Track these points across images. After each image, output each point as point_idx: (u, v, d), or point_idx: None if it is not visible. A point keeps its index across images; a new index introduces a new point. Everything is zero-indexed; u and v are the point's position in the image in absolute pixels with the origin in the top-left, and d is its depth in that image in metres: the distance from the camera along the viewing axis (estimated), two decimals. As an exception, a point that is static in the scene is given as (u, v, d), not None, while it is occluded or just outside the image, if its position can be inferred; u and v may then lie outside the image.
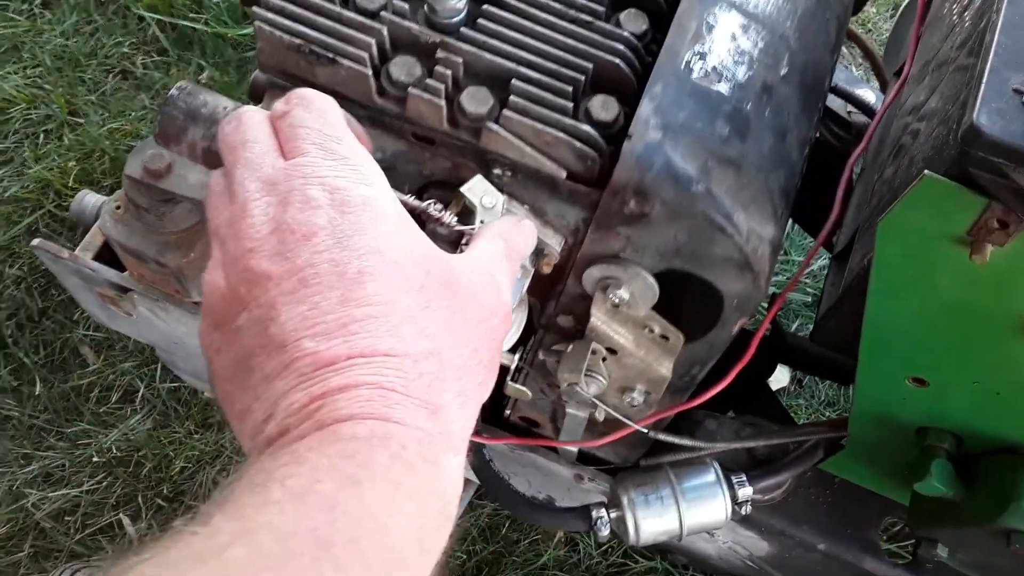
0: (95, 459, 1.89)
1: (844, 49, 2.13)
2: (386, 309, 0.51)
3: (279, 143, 0.58)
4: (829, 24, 0.87)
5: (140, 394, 1.94)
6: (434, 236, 0.80)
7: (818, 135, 1.19)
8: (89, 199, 1.23)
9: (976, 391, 0.80)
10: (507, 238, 0.67)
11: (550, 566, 1.85)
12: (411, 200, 0.73)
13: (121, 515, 1.83)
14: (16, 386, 1.96)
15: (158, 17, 2.23)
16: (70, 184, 2.05)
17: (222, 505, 0.44)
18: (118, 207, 1.07)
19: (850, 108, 1.21)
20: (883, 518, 1.07)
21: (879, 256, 0.70)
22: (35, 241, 1.18)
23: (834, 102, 1.21)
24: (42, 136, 2.14)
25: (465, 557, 1.83)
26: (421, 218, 0.78)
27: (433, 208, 0.72)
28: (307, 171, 0.55)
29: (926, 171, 0.60)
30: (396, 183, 0.75)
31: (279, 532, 0.42)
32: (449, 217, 0.71)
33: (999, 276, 0.66)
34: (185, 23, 2.23)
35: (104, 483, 1.87)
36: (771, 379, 1.83)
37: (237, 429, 0.53)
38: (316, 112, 0.59)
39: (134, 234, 1.06)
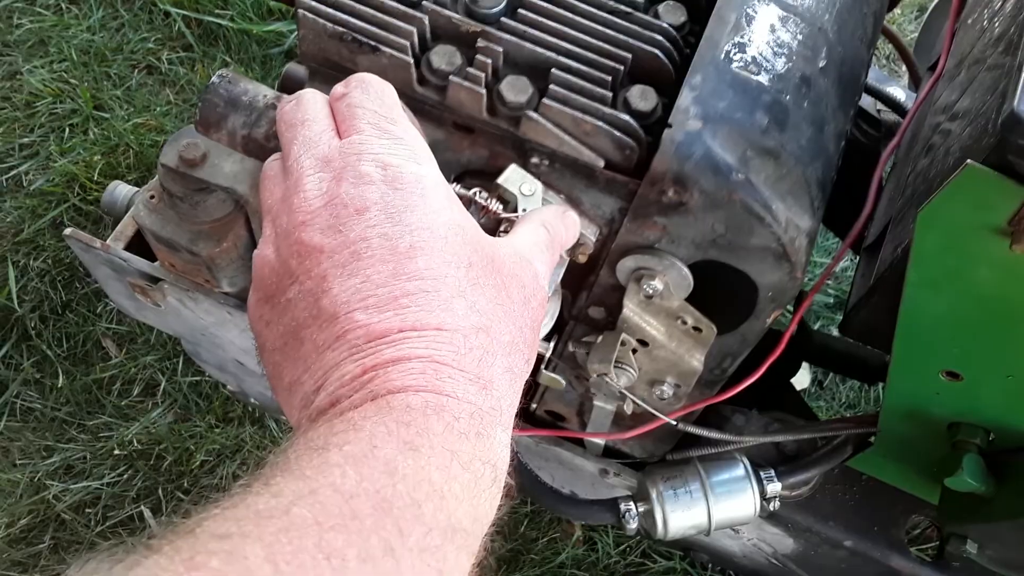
0: (116, 452, 1.90)
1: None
2: (437, 284, 0.52)
3: (336, 123, 0.59)
4: (866, 19, 0.87)
5: (162, 388, 1.95)
6: (472, 224, 0.81)
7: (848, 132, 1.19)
8: (121, 190, 1.24)
9: (1010, 386, 0.80)
10: (550, 227, 0.68)
11: (568, 564, 1.85)
12: (456, 188, 0.73)
13: (142, 507, 1.84)
14: (39, 378, 1.97)
15: (184, 13, 2.25)
16: (95, 178, 2.07)
17: (283, 469, 0.44)
18: (152, 196, 1.08)
19: (880, 106, 1.21)
20: (910, 516, 1.07)
21: (917, 247, 0.70)
22: (67, 230, 1.19)
23: (864, 100, 1.21)
24: (68, 130, 2.16)
25: (484, 554, 1.83)
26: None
27: (479, 196, 0.72)
28: (361, 148, 0.56)
29: (968, 160, 0.60)
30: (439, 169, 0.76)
31: (342, 492, 0.42)
32: (495, 204, 0.72)
33: (1039, 268, 0.66)
34: (211, 19, 2.24)
35: (125, 476, 1.88)
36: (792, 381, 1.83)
37: (285, 401, 0.54)
38: (373, 94, 0.60)
39: (167, 223, 1.07)
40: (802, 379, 1.96)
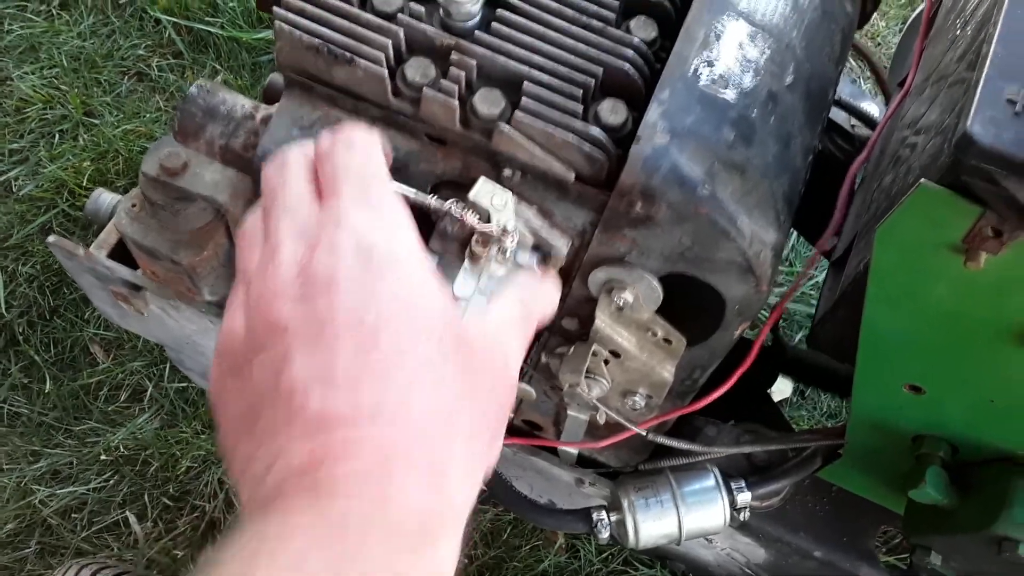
0: (103, 457, 1.90)
1: (852, 63, 2.15)
2: (402, 360, 0.51)
3: (317, 184, 0.58)
4: (834, 36, 0.89)
5: (148, 393, 1.96)
6: (444, 235, 0.82)
7: (821, 147, 1.21)
8: (104, 198, 1.25)
9: (972, 399, 0.82)
10: (527, 302, 0.66)
11: (551, 572, 1.86)
12: (431, 199, 0.75)
13: (128, 513, 1.85)
14: (26, 383, 1.98)
15: (174, 20, 2.26)
16: (84, 184, 2.08)
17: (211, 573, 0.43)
18: (133, 205, 1.09)
19: (854, 121, 1.22)
20: (879, 527, 1.08)
21: (876, 263, 0.71)
22: (50, 238, 1.20)
23: (838, 115, 1.23)
24: (57, 136, 2.17)
25: (467, 561, 1.84)
26: (432, 217, 0.80)
27: (454, 208, 0.73)
28: (340, 216, 0.55)
29: (922, 179, 0.62)
30: (409, 182, 0.77)
31: None
32: (470, 216, 0.73)
33: (994, 284, 0.67)
34: (201, 26, 2.26)
35: (111, 481, 1.89)
36: (774, 390, 1.84)
37: (239, 482, 0.51)
38: (358, 154, 0.59)
39: (149, 231, 1.08)
40: (784, 389, 1.98)
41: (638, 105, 0.79)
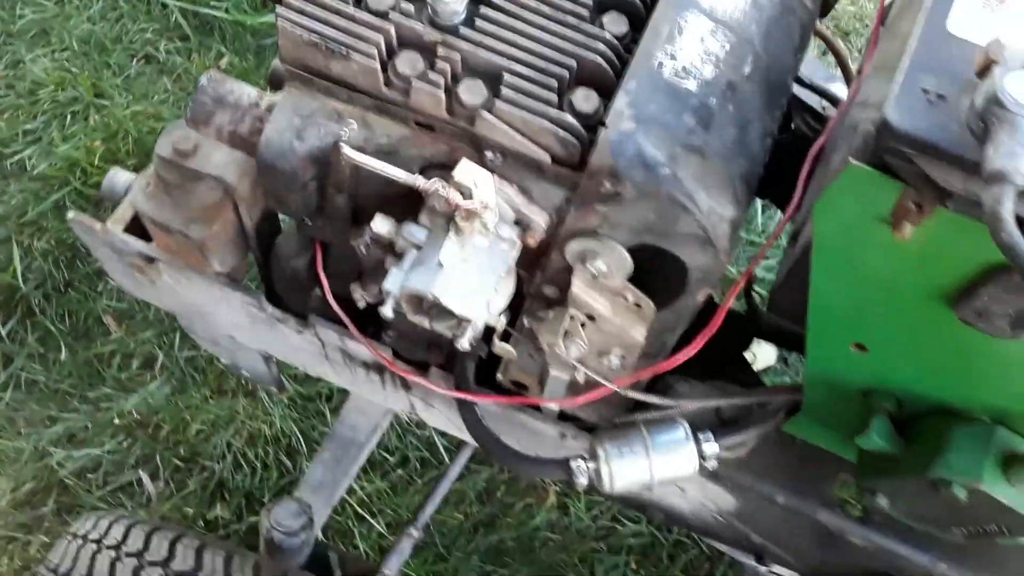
0: (116, 421, 2.01)
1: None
2: None
3: None
4: (793, 28, 0.97)
5: (159, 362, 2.06)
6: (432, 211, 0.91)
7: (795, 127, 1.29)
8: (120, 176, 1.33)
9: (911, 357, 0.90)
10: None
11: (542, 527, 1.96)
12: (419, 180, 0.84)
13: (141, 473, 1.95)
14: (42, 352, 2.08)
15: (181, 5, 2.34)
16: (96, 163, 2.17)
17: None
18: (148, 184, 1.17)
19: (825, 103, 1.30)
20: (838, 476, 1.17)
21: (817, 236, 0.80)
22: (70, 214, 1.29)
23: (811, 98, 1.31)
24: (69, 117, 2.25)
25: (463, 518, 1.95)
26: (422, 195, 0.89)
27: (441, 187, 0.82)
28: None
29: (850, 159, 0.70)
30: (400, 165, 0.86)
31: None
32: (454, 195, 0.82)
33: (920, 252, 0.76)
34: (206, 10, 2.33)
35: (124, 444, 2.00)
36: (759, 359, 1.93)
37: None
38: None
39: (162, 208, 1.16)
40: (768, 357, 2.06)
41: (609, 94, 0.88)
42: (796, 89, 1.25)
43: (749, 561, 1.38)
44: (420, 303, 0.91)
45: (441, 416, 1.41)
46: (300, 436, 1.98)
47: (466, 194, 0.84)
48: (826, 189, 0.75)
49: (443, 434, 1.99)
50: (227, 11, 2.33)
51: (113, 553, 1.37)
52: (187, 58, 2.33)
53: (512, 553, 1.95)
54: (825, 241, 0.80)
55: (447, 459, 1.92)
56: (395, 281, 0.89)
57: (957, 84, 0.68)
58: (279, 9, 0.86)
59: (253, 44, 2.32)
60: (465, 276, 0.88)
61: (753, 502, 1.21)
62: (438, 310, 0.90)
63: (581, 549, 1.97)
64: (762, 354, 2.02)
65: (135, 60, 2.33)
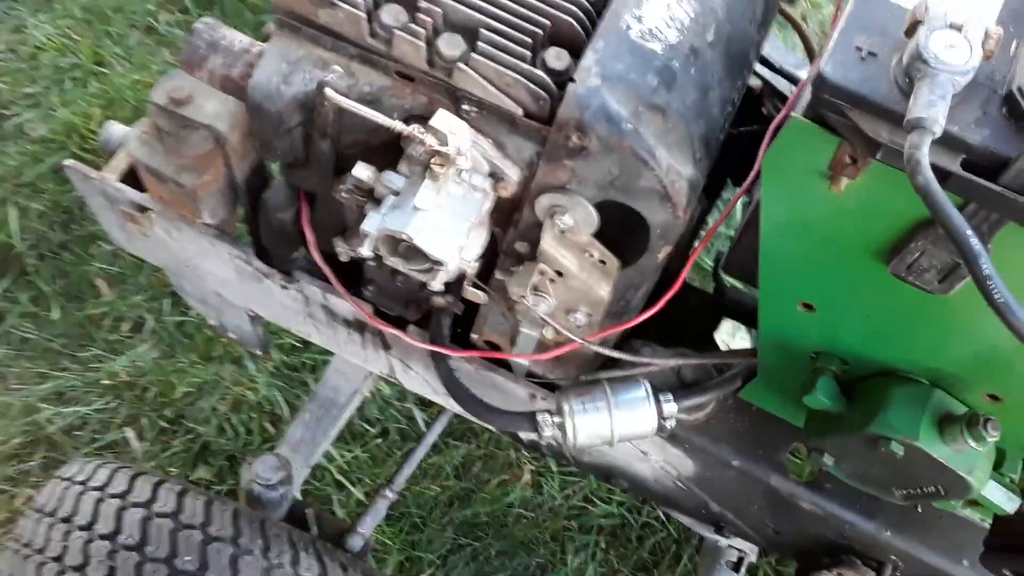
0: (105, 382, 2.05)
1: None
2: None
3: None
4: (756, 4, 1.02)
5: (149, 325, 2.11)
6: (410, 159, 0.96)
7: (766, 113, 1.34)
8: (115, 129, 1.38)
9: (854, 315, 0.96)
10: None
11: (516, 504, 2.01)
12: (398, 124, 0.89)
13: (127, 432, 1.99)
14: (35, 312, 2.12)
15: (183, -22, 2.39)
16: (93, 128, 2.21)
17: None
18: (144, 132, 1.22)
19: (794, 89, 1.36)
20: (790, 443, 1.22)
21: (764, 192, 0.85)
22: (67, 161, 1.33)
23: (782, 83, 1.36)
24: (69, 83, 2.30)
25: (439, 490, 1.99)
26: (401, 144, 0.94)
27: (417, 131, 0.87)
28: None
29: (792, 113, 0.75)
30: (382, 112, 0.91)
31: None
32: (430, 139, 0.87)
33: (857, 207, 0.81)
34: (208, -15, 2.39)
35: (112, 404, 2.04)
36: (736, 340, 1.98)
37: None
38: None
39: (156, 155, 1.21)
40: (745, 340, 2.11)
41: (578, 55, 0.93)
42: (768, 75, 1.31)
43: (710, 534, 1.43)
44: (396, 245, 0.96)
45: (419, 379, 1.45)
46: (284, 404, 2.02)
47: (442, 140, 0.89)
48: (772, 144, 0.80)
49: (423, 406, 2.04)
50: (229, -14, 2.38)
51: (97, 494, 1.41)
52: (186, 30, 2.37)
53: (485, 527, 2.00)
54: (771, 195, 0.86)
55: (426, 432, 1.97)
56: (373, 223, 0.94)
57: (888, 43, 0.74)
58: (272, -41, 0.91)
59: (252, 20, 2.37)
60: (439, 220, 0.93)
61: (711, 467, 1.26)
62: (412, 251, 0.95)
63: (553, 527, 2.02)
64: (740, 337, 2.07)
65: (135, 30, 2.38)
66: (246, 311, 1.55)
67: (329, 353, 2.04)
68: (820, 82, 0.72)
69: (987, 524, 1.17)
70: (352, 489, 1.95)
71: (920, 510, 1.20)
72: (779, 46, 1.38)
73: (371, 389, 1.81)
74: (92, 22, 2.36)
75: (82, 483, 1.45)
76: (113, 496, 1.40)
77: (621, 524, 2.03)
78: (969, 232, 0.67)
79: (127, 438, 1.99)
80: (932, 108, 0.67)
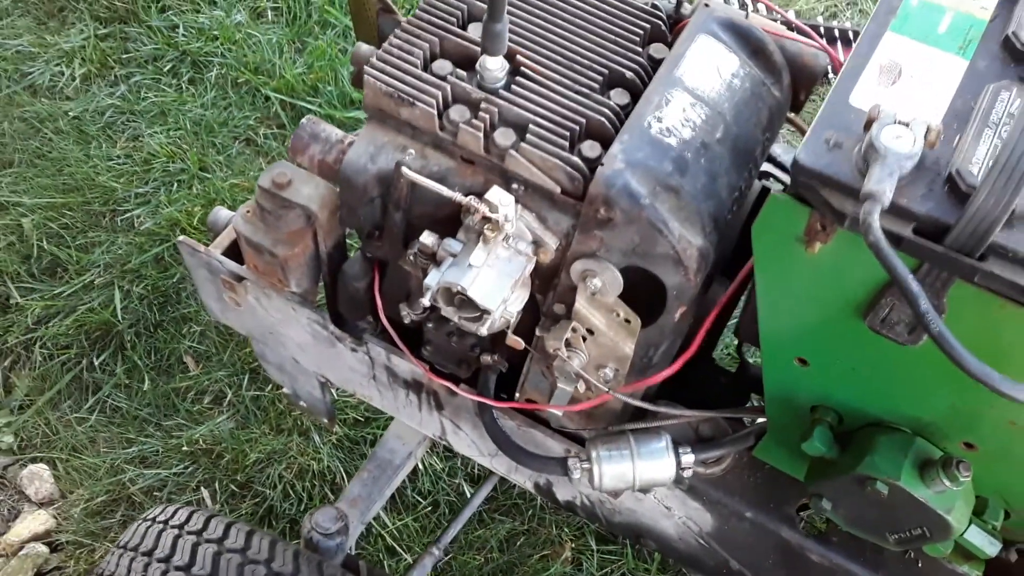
0: (184, 448, 2.26)
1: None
2: None
3: None
4: (761, 110, 1.23)
5: (228, 399, 2.32)
6: (467, 228, 1.17)
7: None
8: (222, 212, 1.63)
9: (841, 368, 1.11)
10: None
11: (556, 579, 2.12)
12: (459, 196, 1.10)
13: (203, 489, 2.18)
14: (127, 383, 2.36)
15: (281, 97, 2.72)
16: (195, 224, 2.50)
17: None
18: (248, 211, 1.46)
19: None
20: (799, 498, 1.35)
21: (756, 256, 1.03)
22: (180, 238, 1.58)
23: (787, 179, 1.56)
24: (176, 184, 2.61)
25: (483, 562, 2.12)
26: (460, 213, 1.15)
27: (474, 201, 1.08)
28: None
29: (771, 190, 0.94)
30: (448, 187, 1.13)
31: None
32: (485, 208, 1.08)
33: (830, 267, 0.98)
34: (303, 104, 2.71)
35: (189, 468, 2.24)
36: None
37: None
38: None
39: (257, 231, 1.45)
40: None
41: (610, 146, 1.14)
42: (778, 174, 1.50)
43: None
44: (451, 296, 1.15)
45: (467, 439, 1.62)
46: (345, 474, 2.20)
47: (493, 210, 1.10)
48: (758, 215, 0.98)
49: (472, 482, 2.19)
50: (320, 106, 2.70)
51: (176, 531, 1.59)
52: (281, 143, 2.68)
53: (526, 602, 2.11)
54: (761, 260, 1.03)
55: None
56: (434, 277, 1.14)
57: (851, 137, 0.92)
58: (366, 68, 1.15)
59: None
60: (488, 276, 1.13)
61: (727, 519, 1.38)
62: (464, 302, 1.14)
63: (591, 605, 2.12)
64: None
65: (237, 142, 2.69)
66: (318, 377, 1.75)
67: (385, 428, 2.23)
68: (796, 166, 0.91)
69: (980, 579, 1.27)
70: (403, 554, 2.09)
71: (920, 565, 1.31)
72: (789, 149, 1.58)
73: (424, 453, 1.97)
74: (200, 134, 2.68)
75: (163, 523, 1.63)
76: (189, 533, 1.59)
77: (657, 607, 2.12)
78: (910, 277, 0.84)
79: (203, 496, 2.17)
80: (881, 183, 0.85)
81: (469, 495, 2.17)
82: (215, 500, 2.18)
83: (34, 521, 2.16)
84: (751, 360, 1.59)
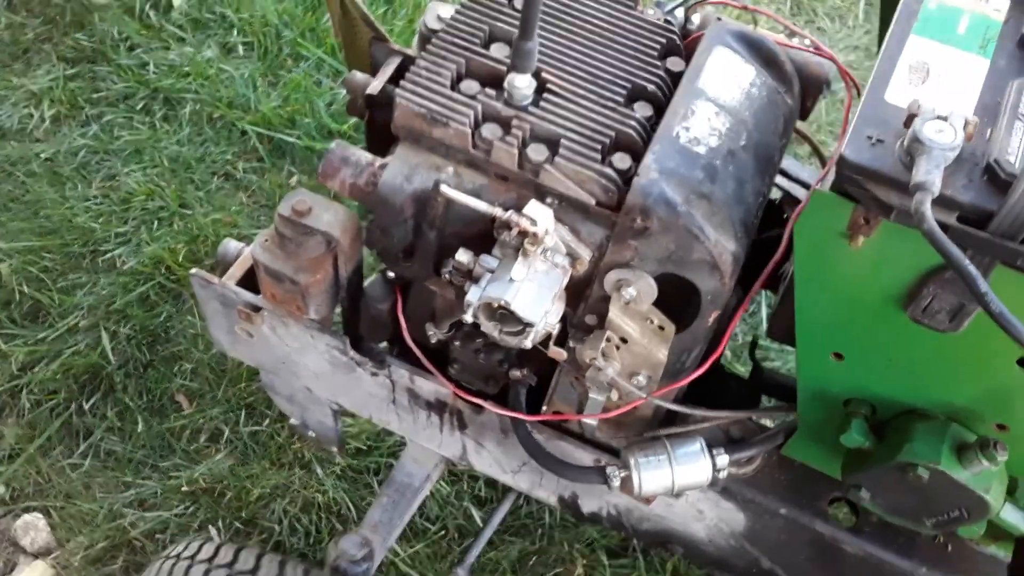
0: (184, 488, 2.22)
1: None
2: None
3: None
4: (778, 118, 1.27)
5: (225, 436, 2.29)
6: (504, 244, 1.18)
7: (787, 218, 1.57)
8: (232, 244, 1.63)
9: (877, 360, 1.14)
10: None
11: (569, 598, 2.12)
12: (497, 210, 1.11)
13: (210, 527, 2.14)
14: (120, 426, 2.31)
15: (258, 130, 2.71)
16: (179, 261, 2.47)
17: None
18: (266, 240, 1.46)
19: (806, 191, 1.59)
20: (831, 492, 1.38)
21: (796, 253, 1.06)
22: (192, 270, 1.56)
23: (801, 192, 1.61)
24: (156, 223, 2.58)
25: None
26: (496, 227, 1.17)
27: (513, 216, 1.10)
28: None
29: (815, 186, 0.98)
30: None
31: None
32: (524, 221, 1.10)
33: (873, 261, 1.02)
34: (281, 136, 2.70)
35: (191, 509, 2.20)
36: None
37: None
38: None
39: (276, 259, 1.44)
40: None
41: (638, 158, 1.17)
42: (788, 185, 1.55)
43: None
44: (493, 311, 1.16)
45: (489, 458, 1.63)
46: (351, 505, 2.18)
47: (533, 224, 1.12)
48: (801, 212, 1.02)
49: (479, 505, 2.18)
50: (299, 137, 2.69)
51: (187, 563, 1.60)
52: (261, 176, 2.67)
53: (540, 620, 2.11)
54: (802, 257, 1.07)
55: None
56: (475, 293, 1.15)
57: (891, 133, 0.97)
58: (398, 90, 1.17)
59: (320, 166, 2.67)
60: (529, 290, 1.15)
61: (760, 517, 1.41)
62: (506, 316, 1.15)
63: (604, 621, 2.12)
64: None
65: (216, 177, 2.67)
66: (330, 405, 1.74)
67: (390, 455, 2.22)
68: (842, 162, 0.94)
69: (1009, 559, 1.32)
70: (417, 581, 2.07)
71: (950, 549, 1.35)
72: (795, 162, 1.63)
73: (441, 476, 1.97)
74: (177, 170, 2.66)
75: (175, 557, 1.64)
76: (200, 562, 1.59)
77: (670, 619, 2.14)
78: (966, 261, 0.87)
79: (210, 532, 2.13)
80: (930, 175, 0.89)
81: (477, 518, 2.17)
82: (221, 538, 2.14)
83: (32, 572, 2.10)
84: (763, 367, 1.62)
